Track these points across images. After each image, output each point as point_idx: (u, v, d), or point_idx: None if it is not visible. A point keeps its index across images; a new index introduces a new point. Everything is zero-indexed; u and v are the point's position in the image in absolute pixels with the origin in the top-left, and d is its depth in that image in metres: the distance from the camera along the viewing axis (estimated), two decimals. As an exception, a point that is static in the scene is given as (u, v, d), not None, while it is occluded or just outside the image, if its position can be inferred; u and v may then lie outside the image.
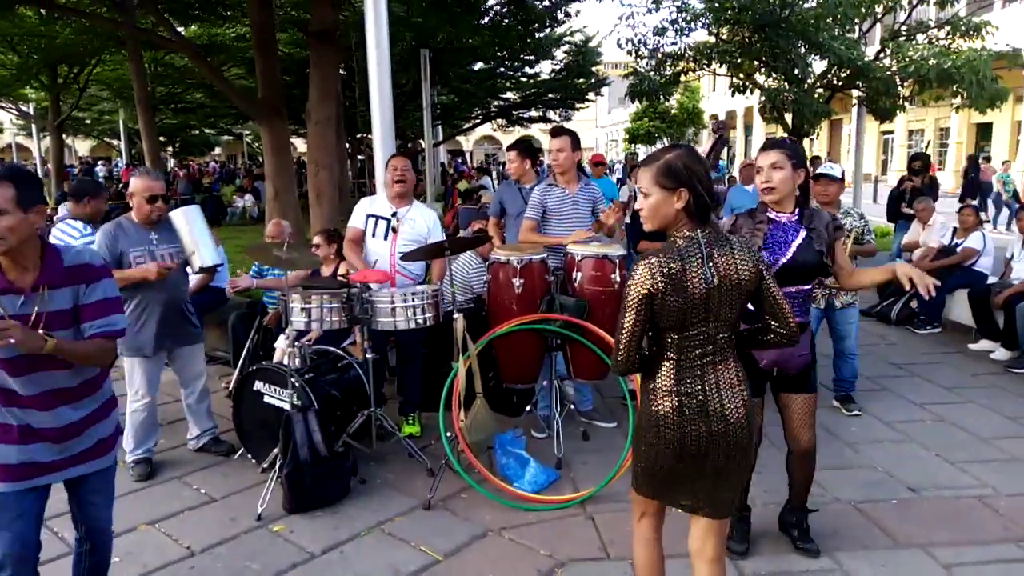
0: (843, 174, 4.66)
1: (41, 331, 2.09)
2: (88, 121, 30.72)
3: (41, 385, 2.19)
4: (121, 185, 21.02)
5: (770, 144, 2.98)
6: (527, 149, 4.96)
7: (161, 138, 25.18)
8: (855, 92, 12.93)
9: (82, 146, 46.40)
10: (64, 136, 26.43)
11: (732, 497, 2.26)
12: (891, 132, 30.77)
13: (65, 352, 2.13)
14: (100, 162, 36.43)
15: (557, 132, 4.58)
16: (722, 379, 2.14)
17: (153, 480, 3.99)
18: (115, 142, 31.62)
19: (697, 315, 2.08)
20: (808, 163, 3.12)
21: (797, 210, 2.96)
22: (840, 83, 12.50)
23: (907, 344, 6.46)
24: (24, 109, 26.80)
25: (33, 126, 28.81)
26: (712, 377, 2.13)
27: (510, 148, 5.05)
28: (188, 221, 3.95)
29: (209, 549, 3.30)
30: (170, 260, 3.93)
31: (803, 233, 2.91)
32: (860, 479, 3.87)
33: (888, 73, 11.59)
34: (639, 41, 13.58)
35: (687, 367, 2.13)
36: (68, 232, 4.75)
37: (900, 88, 11.96)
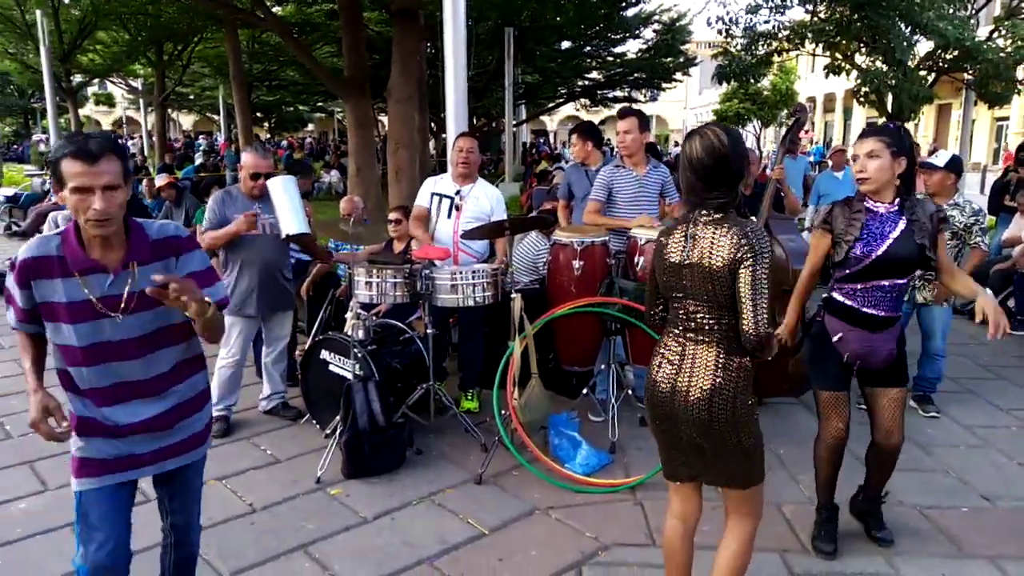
0: (954, 162, 4.34)
1: (131, 313, 1.99)
2: (191, 96, 32.30)
3: (111, 376, 2.04)
4: (219, 158, 22.05)
5: (868, 131, 2.88)
6: (588, 131, 4.93)
7: (257, 114, 26.30)
8: (964, 75, 12.13)
9: (185, 120, 48.88)
10: (168, 110, 27.92)
11: (731, 470, 2.26)
12: (1006, 118, 28.66)
13: (209, 320, 1.99)
14: (201, 136, 38.29)
15: (624, 114, 4.52)
16: (698, 360, 2.19)
17: (226, 438, 4.23)
18: (216, 117, 33.12)
19: (672, 287, 2.24)
20: (912, 150, 2.95)
21: (897, 200, 2.84)
22: (946, 65, 11.74)
23: (999, 345, 6.05)
24: (133, 84, 28.46)
25: (141, 100, 30.57)
26: (690, 354, 2.21)
27: (571, 132, 5.01)
28: (283, 190, 4.13)
29: (269, 507, 3.47)
30: (271, 229, 4.16)
31: (902, 224, 2.80)
32: (929, 483, 3.69)
33: (1001, 55, 10.79)
34: (731, 20, 13.16)
35: (672, 336, 2.28)
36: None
37: (1014, 71, 11.12)
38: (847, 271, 2.87)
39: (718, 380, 2.16)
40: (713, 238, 2.12)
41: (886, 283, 2.82)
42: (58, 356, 2.04)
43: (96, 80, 29.43)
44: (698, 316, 2.18)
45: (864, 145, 2.82)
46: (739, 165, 2.17)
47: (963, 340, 6.17)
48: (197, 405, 2.23)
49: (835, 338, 2.93)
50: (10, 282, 2.01)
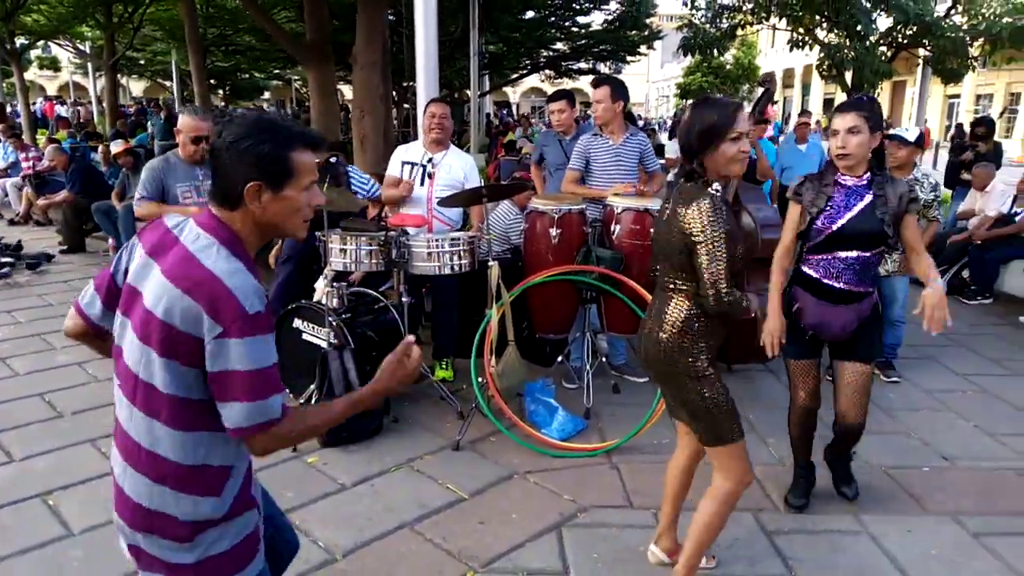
0: (920, 138, 4.44)
1: None
2: (142, 61, 31.09)
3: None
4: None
5: (847, 105, 2.84)
6: (573, 99, 4.90)
7: (212, 81, 25.44)
8: (921, 51, 12.37)
9: (136, 86, 47.13)
10: (119, 76, 26.87)
11: (697, 422, 2.41)
12: (957, 96, 29.41)
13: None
14: (153, 104, 37.04)
15: (598, 83, 4.50)
16: (666, 309, 2.36)
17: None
18: (168, 83, 32.02)
19: (655, 248, 2.43)
20: (883, 124, 2.94)
21: (867, 174, 2.84)
22: (905, 41, 11.95)
23: (956, 314, 6.21)
24: (81, 48, 27.28)
25: (89, 65, 29.35)
26: (660, 303, 2.40)
27: (559, 97, 4.91)
28: None
29: (246, 475, 3.43)
30: None
31: (868, 199, 2.81)
32: (893, 445, 3.82)
33: (959, 33, 11.02)
34: (695, -8, 13.17)
35: (658, 289, 2.46)
36: (358, 180, 4.98)
37: (970, 48, 11.38)
38: (810, 242, 2.92)
39: (674, 330, 2.32)
40: (676, 212, 2.26)
41: (847, 255, 2.83)
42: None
43: (40, 42, 28.12)
44: (664, 277, 2.38)
45: (845, 120, 2.77)
46: (688, 140, 2.27)
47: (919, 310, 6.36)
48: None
49: (794, 308, 2.99)
50: (263, 343, 1.46)
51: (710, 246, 2.17)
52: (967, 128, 16.55)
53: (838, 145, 2.80)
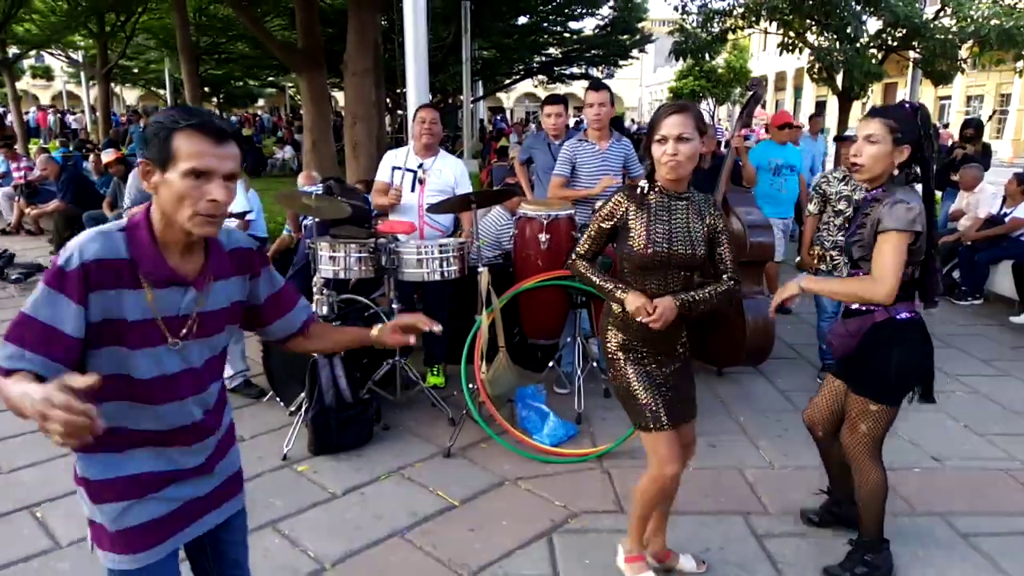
0: None
1: (190, 340, 1.58)
2: (135, 70, 31.06)
3: (169, 418, 1.61)
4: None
5: (873, 111, 2.54)
6: (568, 104, 4.94)
7: (205, 89, 25.44)
8: (911, 54, 12.43)
9: (130, 95, 47.10)
10: (112, 84, 26.83)
11: None
12: (948, 97, 29.57)
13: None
14: (133, 112, 36.96)
15: (598, 86, 4.51)
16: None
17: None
18: (161, 92, 32.00)
19: None
20: (928, 136, 2.53)
21: (880, 188, 2.53)
22: (895, 43, 12.02)
23: (946, 315, 6.30)
24: (74, 57, 27.25)
25: (82, 74, 29.32)
26: None
27: (557, 100, 4.90)
28: None
29: (236, 485, 3.42)
30: None
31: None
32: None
33: (948, 35, 11.08)
34: (686, -4, 13.23)
35: None
36: None
37: (959, 50, 11.44)
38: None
39: (603, 320, 2.57)
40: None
41: (851, 269, 2.70)
42: (101, 394, 1.38)
43: (33, 52, 28.07)
44: None
45: (867, 126, 2.51)
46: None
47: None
48: (230, 439, 1.82)
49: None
50: (45, 297, 1.43)
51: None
52: (943, 130, 16.66)
53: (852, 153, 2.58)
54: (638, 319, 2.34)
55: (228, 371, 4.46)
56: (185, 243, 1.54)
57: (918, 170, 2.54)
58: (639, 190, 2.41)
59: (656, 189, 2.41)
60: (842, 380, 2.80)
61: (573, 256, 2.56)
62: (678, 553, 2.80)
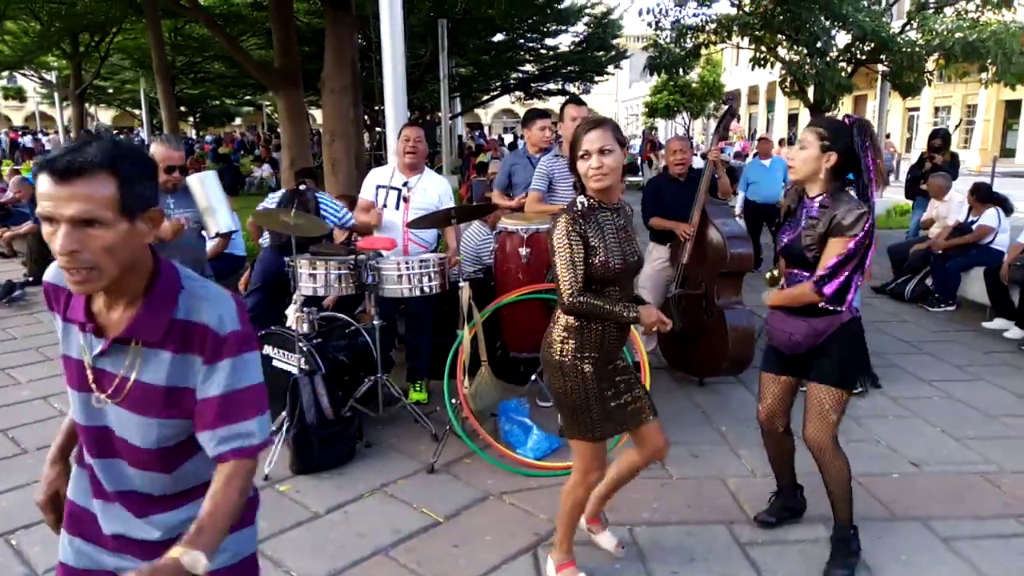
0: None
1: (116, 402, 1.39)
2: (110, 90, 30.87)
3: (114, 478, 1.47)
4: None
5: (810, 122, 2.85)
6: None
7: (181, 108, 25.33)
8: (879, 67, 12.69)
9: (104, 115, 46.73)
10: (87, 105, 26.61)
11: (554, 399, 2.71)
12: (917, 109, 30.21)
13: (210, 545, 1.28)
14: (84, 131, 36.65)
15: (578, 101, 4.57)
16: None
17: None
18: (137, 112, 31.78)
19: None
20: (861, 147, 2.69)
21: (821, 196, 2.71)
22: (864, 57, 12.26)
23: (920, 322, 6.40)
24: (47, 77, 27.00)
25: (56, 94, 29.05)
26: None
27: (544, 115, 4.93)
28: (205, 186, 3.97)
29: (217, 506, 3.38)
30: (187, 224, 3.97)
31: (805, 221, 2.77)
32: (861, 452, 3.87)
33: (915, 48, 11.33)
34: (660, 12, 13.42)
35: None
36: (330, 208, 4.80)
37: (925, 63, 11.71)
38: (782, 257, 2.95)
39: (550, 327, 2.61)
40: None
41: (797, 272, 2.79)
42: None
43: (6, 73, 27.78)
44: None
45: (801, 134, 2.81)
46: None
47: (885, 318, 6.49)
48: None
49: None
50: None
51: (559, 258, 2.43)
52: (885, 139, 16.93)
53: (789, 156, 2.89)
54: (653, 329, 2.48)
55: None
56: (120, 292, 1.36)
57: (851, 176, 2.75)
58: (580, 207, 2.48)
59: (591, 204, 2.49)
60: (792, 376, 2.95)
61: (572, 296, 2.40)
62: (606, 527, 2.97)
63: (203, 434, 1.38)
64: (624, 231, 2.55)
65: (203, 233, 4.13)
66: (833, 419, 2.80)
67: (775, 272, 3.07)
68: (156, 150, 3.94)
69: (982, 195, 6.93)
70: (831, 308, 2.73)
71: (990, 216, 6.70)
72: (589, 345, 2.52)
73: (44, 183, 1.25)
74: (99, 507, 1.50)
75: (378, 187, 4.52)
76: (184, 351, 1.36)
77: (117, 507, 1.48)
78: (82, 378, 1.41)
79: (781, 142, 21.10)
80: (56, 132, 31.16)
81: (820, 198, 2.72)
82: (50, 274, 1.46)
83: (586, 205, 2.47)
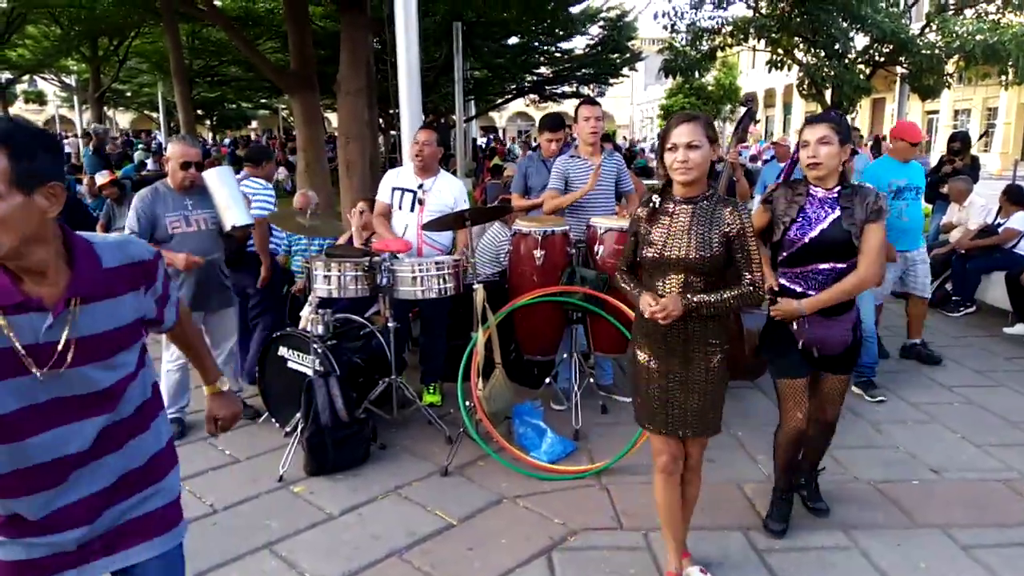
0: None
1: (63, 368, 1.46)
2: (128, 93, 31.23)
3: (21, 456, 1.48)
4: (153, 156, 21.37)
5: (817, 118, 2.89)
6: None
7: (198, 111, 25.54)
8: (898, 69, 12.59)
9: (123, 118, 47.21)
10: (105, 108, 26.91)
11: None
12: (936, 112, 29.87)
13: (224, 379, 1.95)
14: (140, 135, 37.06)
15: (593, 102, 4.57)
16: None
17: (182, 440, 4.11)
18: (155, 115, 32.10)
19: None
20: (851, 138, 2.97)
21: (838, 187, 2.86)
22: (882, 59, 12.17)
23: (940, 327, 6.32)
24: (66, 81, 27.36)
25: (75, 98, 29.40)
26: None
27: (551, 128, 4.92)
28: (221, 181, 4.00)
29: (232, 507, 3.39)
30: (205, 225, 4.00)
31: (837, 211, 2.82)
32: (881, 459, 3.83)
33: (934, 51, 11.23)
34: (675, 14, 13.38)
35: None
36: (255, 188, 4.99)
37: (945, 65, 11.60)
38: (784, 253, 2.91)
39: None
40: None
41: (825, 267, 2.83)
42: None
43: (26, 77, 28.18)
44: None
45: (815, 131, 2.82)
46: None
47: (903, 322, 6.40)
48: (146, 477, 1.67)
49: (793, 325, 2.95)
50: None
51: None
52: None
53: (809, 155, 2.83)
54: (646, 315, 2.47)
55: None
56: (21, 268, 1.42)
57: None
58: (652, 203, 2.58)
59: (668, 196, 2.56)
60: (814, 372, 3.03)
61: (617, 270, 2.76)
62: (692, 561, 2.84)
63: (157, 326, 1.71)
64: (693, 227, 2.47)
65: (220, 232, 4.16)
66: (842, 401, 3.13)
67: (768, 289, 2.97)
68: (172, 148, 4.00)
69: (1014, 197, 6.82)
70: (849, 303, 2.93)
71: (1019, 219, 6.59)
72: (640, 332, 2.63)
73: None
74: (13, 503, 1.51)
75: (394, 189, 4.53)
76: (127, 290, 1.55)
77: (28, 494, 1.51)
78: (14, 364, 1.42)
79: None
80: (75, 135, 31.52)
81: (838, 188, 2.86)
82: None
83: (656, 203, 2.56)
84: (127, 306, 1.55)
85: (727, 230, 2.46)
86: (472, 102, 23.21)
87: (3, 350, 1.41)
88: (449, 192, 4.50)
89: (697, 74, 15.02)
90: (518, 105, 39.24)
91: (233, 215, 3.97)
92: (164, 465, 1.73)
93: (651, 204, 2.57)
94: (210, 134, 35.99)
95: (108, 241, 1.56)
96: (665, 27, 13.75)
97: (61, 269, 1.45)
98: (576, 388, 4.19)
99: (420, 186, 4.46)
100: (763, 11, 12.62)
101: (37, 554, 1.55)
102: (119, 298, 1.53)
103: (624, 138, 38.50)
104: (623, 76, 24.66)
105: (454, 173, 14.80)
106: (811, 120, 2.91)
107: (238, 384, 4.50)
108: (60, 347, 1.44)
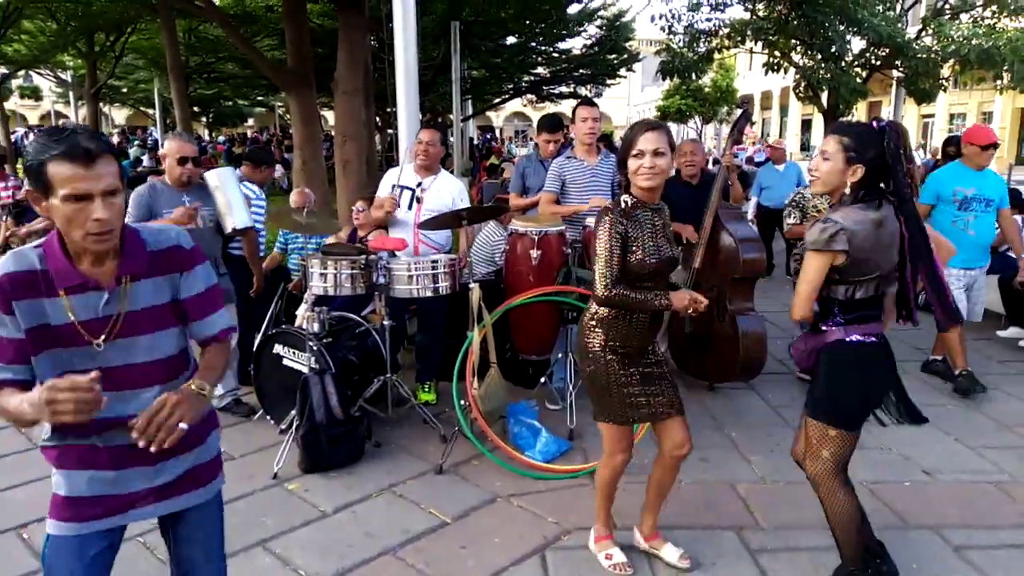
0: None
1: (119, 339, 1.68)
2: (124, 90, 31.10)
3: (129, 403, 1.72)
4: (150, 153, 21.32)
5: (833, 128, 2.55)
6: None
7: (194, 108, 25.47)
8: (894, 72, 12.64)
9: (118, 114, 47.04)
10: (101, 104, 26.81)
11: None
12: (932, 116, 30.00)
13: (209, 388, 1.75)
14: (136, 131, 36.96)
15: (590, 103, 4.60)
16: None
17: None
18: (151, 111, 31.99)
19: None
20: (893, 155, 2.42)
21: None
22: (878, 62, 12.22)
23: (933, 330, 6.32)
24: (62, 76, 27.24)
25: (71, 93, 29.29)
26: None
27: (549, 129, 4.94)
28: (222, 182, 4.00)
29: (226, 504, 3.33)
30: (202, 222, 3.99)
31: None
32: (874, 460, 3.84)
33: (930, 54, 11.28)
34: (673, 16, 13.41)
35: None
36: (249, 195, 4.79)
37: (941, 69, 11.65)
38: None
39: (584, 315, 2.77)
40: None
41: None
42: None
43: (21, 72, 28.04)
44: None
45: (824, 142, 2.53)
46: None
47: (897, 325, 6.41)
48: (196, 437, 1.88)
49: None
50: None
51: (599, 252, 2.51)
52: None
53: (812, 166, 2.59)
54: (690, 310, 2.51)
55: (218, 389, 4.43)
56: (93, 251, 1.64)
57: (883, 185, 2.46)
58: (625, 205, 2.57)
59: (635, 203, 2.58)
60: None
61: (606, 288, 2.49)
62: (665, 540, 2.95)
63: (197, 323, 1.83)
64: (663, 230, 2.65)
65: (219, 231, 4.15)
66: (826, 456, 2.55)
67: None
68: (169, 144, 4.00)
69: (1015, 201, 6.85)
70: (820, 327, 2.55)
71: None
72: (615, 336, 2.63)
73: (70, 168, 1.54)
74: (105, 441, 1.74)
75: (394, 186, 4.54)
76: (162, 273, 1.75)
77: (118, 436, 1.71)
78: (74, 336, 1.65)
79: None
80: (71, 131, 31.39)
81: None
82: (16, 264, 1.63)
83: (629, 204, 2.57)
84: (162, 287, 1.76)
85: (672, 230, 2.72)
86: (469, 102, 23.21)
87: (68, 324, 1.64)
88: (448, 192, 4.50)
89: (694, 76, 15.06)
90: (515, 105, 39.26)
91: (235, 217, 3.97)
92: (209, 425, 1.96)
93: (626, 207, 2.57)
94: (206, 131, 35.88)
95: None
96: (662, 29, 13.78)
97: (115, 251, 1.68)
98: (571, 388, 4.20)
99: (419, 184, 4.46)
100: (760, 14, 12.65)
101: (96, 491, 1.77)
102: (161, 278, 1.75)
103: (621, 139, 38.50)
104: (620, 77, 24.66)
105: (451, 172, 14.80)
106: (830, 128, 2.63)
107: (234, 383, 4.50)
108: (114, 320, 1.67)
